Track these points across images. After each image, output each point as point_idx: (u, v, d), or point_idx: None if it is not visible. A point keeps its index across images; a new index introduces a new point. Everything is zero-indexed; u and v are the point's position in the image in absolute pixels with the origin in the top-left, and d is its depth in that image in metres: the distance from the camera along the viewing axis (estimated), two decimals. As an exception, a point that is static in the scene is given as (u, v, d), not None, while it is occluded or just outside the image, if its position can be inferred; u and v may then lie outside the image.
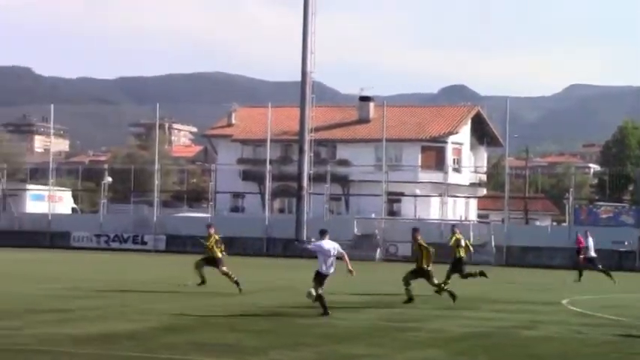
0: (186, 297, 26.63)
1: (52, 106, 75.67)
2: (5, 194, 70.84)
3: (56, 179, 72.88)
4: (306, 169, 60.80)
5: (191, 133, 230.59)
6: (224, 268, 28.43)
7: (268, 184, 65.24)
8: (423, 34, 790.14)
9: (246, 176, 76.97)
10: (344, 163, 75.12)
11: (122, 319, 20.70)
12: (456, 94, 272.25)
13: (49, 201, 68.42)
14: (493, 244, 54.86)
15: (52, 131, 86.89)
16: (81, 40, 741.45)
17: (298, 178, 61.15)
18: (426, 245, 25.40)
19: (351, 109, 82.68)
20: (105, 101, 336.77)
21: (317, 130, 63.64)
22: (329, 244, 22.34)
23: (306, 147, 61.06)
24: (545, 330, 20.83)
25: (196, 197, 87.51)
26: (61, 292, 27.42)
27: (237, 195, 77.57)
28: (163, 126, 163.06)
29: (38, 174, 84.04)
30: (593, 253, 38.73)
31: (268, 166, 65.06)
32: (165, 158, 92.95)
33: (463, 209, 76.02)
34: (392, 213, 69.31)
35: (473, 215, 77.51)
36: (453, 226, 32.61)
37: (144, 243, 62.60)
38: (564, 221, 67.92)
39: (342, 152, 76.83)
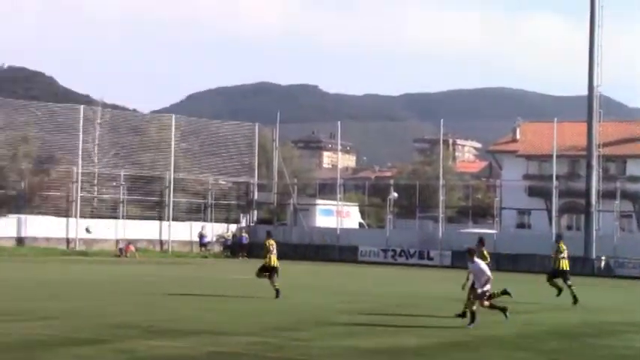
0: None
1: (339, 123, 77.70)
2: (296, 209, 73.28)
3: (344, 194, 74.68)
4: (594, 185, 59.11)
5: (475, 148, 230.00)
6: (276, 276, 29.70)
7: (555, 200, 63.89)
8: None
9: (531, 192, 75.76)
10: (634, 179, 72.43)
11: (408, 333, 20.85)
12: None
13: (337, 216, 70.16)
14: None
15: (339, 147, 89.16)
16: (366, 58, 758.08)
17: (586, 194, 59.55)
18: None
19: (640, 123, 79.73)
20: (390, 117, 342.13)
21: (605, 145, 61.68)
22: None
23: (594, 162, 59.36)
24: None
25: (482, 213, 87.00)
26: (349, 305, 27.98)
27: (522, 211, 76.47)
28: (447, 142, 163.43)
29: (326, 189, 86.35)
30: None
31: (555, 182, 63.79)
32: (449, 174, 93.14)
33: None
34: (687, 232, 66.13)
35: None
36: (558, 236, 33.13)
37: (430, 258, 62.86)
38: None
39: (633, 168, 74.18)
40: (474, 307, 22.10)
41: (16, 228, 63.20)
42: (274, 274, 29.77)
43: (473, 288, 22.75)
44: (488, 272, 22.48)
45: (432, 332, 21.16)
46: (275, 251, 30.04)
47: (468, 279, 23.11)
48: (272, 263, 29.80)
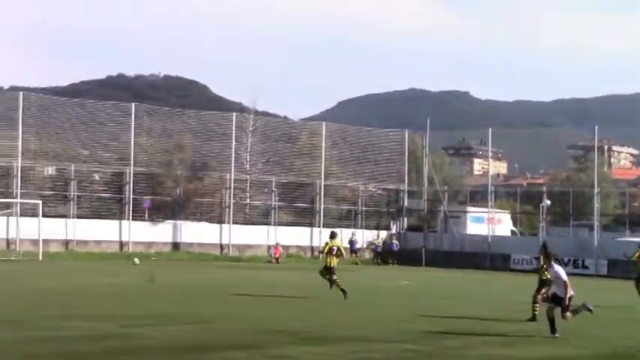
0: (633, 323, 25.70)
1: (490, 129, 76.84)
2: (447, 216, 72.79)
3: (495, 202, 73.75)
4: None
5: (632, 155, 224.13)
6: (334, 277, 30.61)
7: None
8: None
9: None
10: None
11: (564, 343, 20.30)
12: None
13: (488, 223, 69.35)
14: None
15: (489, 154, 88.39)
16: (518, 64, 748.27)
17: None
18: None
19: None
20: (542, 124, 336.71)
21: None
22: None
23: None
24: None
25: (639, 221, 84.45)
26: (500, 313, 27.55)
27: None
28: (602, 148, 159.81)
29: (477, 196, 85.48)
30: None
31: None
32: (604, 181, 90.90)
33: None
34: None
35: None
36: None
37: (585, 267, 61.31)
38: None
39: None
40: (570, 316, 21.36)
41: (172, 233, 64.79)
42: (332, 275, 30.60)
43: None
44: (564, 277, 21.82)
45: (587, 343, 20.59)
46: (335, 253, 30.62)
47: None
48: (331, 264, 30.50)
